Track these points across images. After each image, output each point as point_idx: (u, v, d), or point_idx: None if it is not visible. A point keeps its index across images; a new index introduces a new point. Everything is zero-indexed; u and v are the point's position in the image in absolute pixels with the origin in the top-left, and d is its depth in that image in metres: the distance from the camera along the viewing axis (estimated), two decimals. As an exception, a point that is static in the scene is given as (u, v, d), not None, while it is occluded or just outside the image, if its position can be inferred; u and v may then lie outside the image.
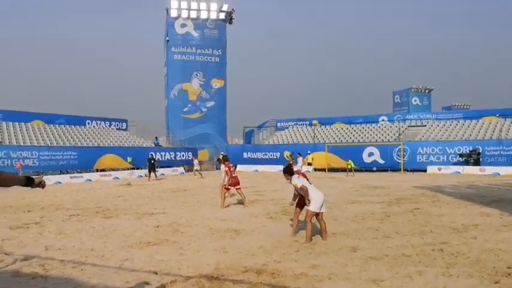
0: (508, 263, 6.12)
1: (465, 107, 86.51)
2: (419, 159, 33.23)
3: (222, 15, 45.50)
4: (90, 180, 26.12)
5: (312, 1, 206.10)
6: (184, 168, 35.26)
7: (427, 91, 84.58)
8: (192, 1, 44.32)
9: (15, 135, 30.19)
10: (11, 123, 31.87)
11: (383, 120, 44.24)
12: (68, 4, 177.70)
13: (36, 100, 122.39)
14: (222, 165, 13.64)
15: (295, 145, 38.84)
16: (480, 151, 31.06)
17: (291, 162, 24.71)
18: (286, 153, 34.18)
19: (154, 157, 28.59)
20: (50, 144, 30.18)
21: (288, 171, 8.03)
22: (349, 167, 29.95)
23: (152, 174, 26.99)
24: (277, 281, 5.46)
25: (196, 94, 44.97)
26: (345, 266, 6.09)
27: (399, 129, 39.72)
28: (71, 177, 25.57)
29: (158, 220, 10.52)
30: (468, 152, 31.36)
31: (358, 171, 31.46)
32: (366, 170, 33.33)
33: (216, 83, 45.58)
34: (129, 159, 31.70)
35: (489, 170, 28.88)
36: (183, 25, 44.54)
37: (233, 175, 12.75)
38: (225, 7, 45.32)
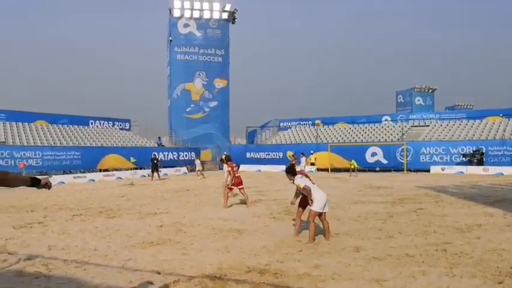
0: (512, 263, 6.10)
1: (468, 106, 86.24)
2: (423, 159, 33.17)
3: (225, 15, 45.52)
4: (93, 180, 26.15)
5: (314, 1, 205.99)
6: (187, 168, 35.28)
7: (430, 91, 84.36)
8: (195, 1, 44.39)
9: (18, 135, 30.29)
10: (14, 123, 32.01)
11: (386, 120, 44.16)
12: (69, 4, 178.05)
13: (40, 100, 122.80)
14: (225, 165, 13.68)
15: (298, 145, 38.85)
16: (483, 151, 30.99)
17: (294, 162, 24.67)
18: (289, 153, 34.13)
19: (157, 157, 28.61)
20: (53, 144, 30.29)
21: (291, 172, 8.02)
22: (352, 167, 29.90)
23: (155, 174, 27.01)
24: (280, 281, 5.45)
25: (199, 94, 45.00)
26: (348, 266, 6.08)
27: (402, 129, 39.65)
28: (74, 177, 25.60)
29: (161, 220, 10.52)
30: (471, 152, 31.29)
31: (361, 171, 31.40)
32: (369, 170, 33.27)
33: (219, 83, 45.60)
34: (132, 159, 31.74)
35: (492, 170, 28.79)
36: (186, 25, 44.58)
37: (236, 175, 12.74)
38: (227, 7, 45.35)
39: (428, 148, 33.29)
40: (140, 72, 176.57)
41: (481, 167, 29.70)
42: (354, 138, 40.40)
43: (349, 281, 5.41)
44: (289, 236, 8.16)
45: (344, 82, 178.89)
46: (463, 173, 29.38)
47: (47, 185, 3.44)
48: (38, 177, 3.44)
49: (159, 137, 40.90)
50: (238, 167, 14.02)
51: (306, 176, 8.36)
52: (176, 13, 44.26)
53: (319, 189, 7.88)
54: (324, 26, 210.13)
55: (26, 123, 32.84)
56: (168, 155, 36.17)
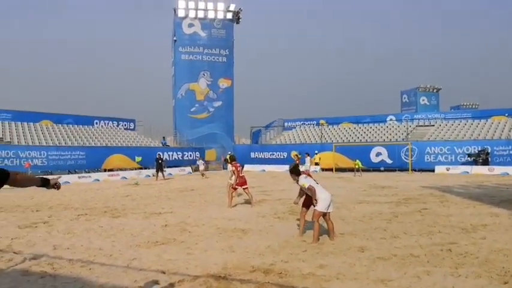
0: (518, 263, 6.07)
1: (473, 106, 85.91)
2: (427, 159, 33.08)
3: (229, 15, 45.53)
4: (98, 180, 26.21)
5: (318, 1, 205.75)
6: (191, 168, 35.32)
7: (435, 90, 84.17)
8: (200, 1, 44.41)
9: (23, 135, 30.43)
10: (19, 123, 32.18)
11: (391, 119, 44.06)
12: (72, 4, 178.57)
13: (44, 100, 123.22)
14: (229, 165, 13.66)
15: (303, 145, 38.80)
16: (489, 151, 30.88)
17: (297, 162, 24.67)
18: (293, 153, 34.13)
19: (161, 157, 28.65)
20: (58, 144, 30.41)
21: (295, 172, 8.01)
22: (357, 166, 29.86)
23: (160, 174, 27.05)
24: (285, 280, 5.45)
25: (204, 94, 45.03)
26: (353, 266, 6.07)
27: (407, 128, 39.55)
28: (79, 177, 25.68)
29: (166, 220, 10.54)
30: (477, 151, 31.18)
31: (365, 171, 31.37)
32: (374, 170, 33.22)
33: (223, 83, 45.62)
34: (138, 158, 31.80)
35: (498, 169, 28.68)
36: (191, 25, 44.62)
37: (240, 175, 12.75)
38: (232, 7, 45.35)
39: (433, 148, 33.21)
40: (145, 72, 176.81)
41: (486, 166, 29.60)
42: (358, 138, 40.33)
43: (353, 281, 5.41)
44: (294, 236, 8.16)
45: (348, 82, 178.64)
46: (468, 173, 29.28)
47: (56, 185, 3.46)
48: (47, 177, 3.46)
49: (164, 137, 40.98)
50: (243, 167, 14.04)
51: (310, 175, 8.35)
52: (181, 13, 44.31)
53: (324, 189, 7.87)
54: (327, 25, 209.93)
55: (31, 123, 32.99)
56: (172, 154, 36.27)
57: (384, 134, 40.06)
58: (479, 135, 35.15)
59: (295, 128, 46.77)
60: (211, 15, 45.03)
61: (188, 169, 34.90)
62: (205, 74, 44.86)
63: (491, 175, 27.34)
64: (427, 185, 19.65)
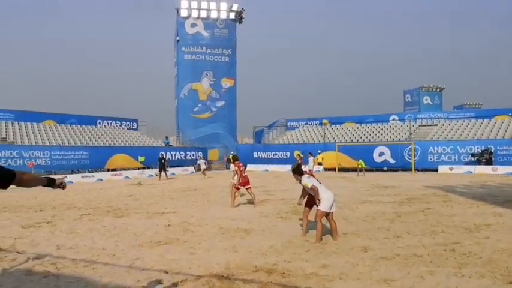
0: (521, 263, 6.05)
1: (477, 106, 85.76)
2: (431, 159, 33.03)
3: (232, 15, 45.49)
4: (101, 180, 26.26)
5: (321, 0, 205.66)
6: (194, 168, 35.34)
7: (438, 90, 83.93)
8: (202, 1, 44.40)
9: (27, 135, 30.50)
10: (23, 123, 32.24)
11: (394, 119, 43.98)
12: (75, 4, 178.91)
13: (48, 100, 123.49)
14: (232, 165, 13.66)
15: (306, 145, 38.80)
16: (492, 150, 30.80)
17: (299, 161, 24.66)
18: (296, 153, 34.11)
19: (164, 157, 28.67)
20: (61, 144, 30.45)
21: (297, 171, 8.00)
22: (360, 166, 29.84)
23: (163, 173, 27.08)
24: (288, 280, 5.45)
25: (207, 94, 45.03)
26: (356, 266, 6.06)
27: (410, 128, 39.49)
28: (82, 177, 25.72)
29: (169, 219, 10.55)
30: (480, 151, 31.10)
31: (368, 170, 31.33)
32: (377, 170, 33.19)
33: (226, 83, 45.60)
34: (141, 158, 31.83)
35: (501, 169, 28.60)
36: (193, 25, 44.61)
37: (243, 175, 12.75)
38: (235, 7, 45.30)
39: (436, 148, 33.14)
40: (148, 72, 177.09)
41: (490, 166, 29.53)
42: (361, 137, 40.28)
43: (356, 281, 5.40)
44: (297, 235, 8.15)
45: (351, 81, 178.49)
46: (471, 172, 29.21)
47: (62, 185, 3.47)
48: (53, 177, 3.47)
49: (167, 137, 41.00)
50: (245, 166, 14.02)
51: (312, 175, 8.35)
52: (183, 13, 44.31)
53: (326, 188, 7.86)
54: (330, 25, 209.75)
55: (35, 123, 33.05)
56: (175, 154, 36.29)
57: (387, 134, 40.00)
58: (482, 134, 35.06)
59: (298, 127, 46.74)
60: (214, 15, 45.00)
61: (191, 169, 34.92)
62: (208, 74, 44.86)
63: (495, 175, 27.28)
64: (430, 185, 19.61)
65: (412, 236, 8.04)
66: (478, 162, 30.69)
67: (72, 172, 28.25)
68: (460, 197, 14.55)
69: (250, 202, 13.15)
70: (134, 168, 31.47)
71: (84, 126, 36.18)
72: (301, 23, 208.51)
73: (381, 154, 34.49)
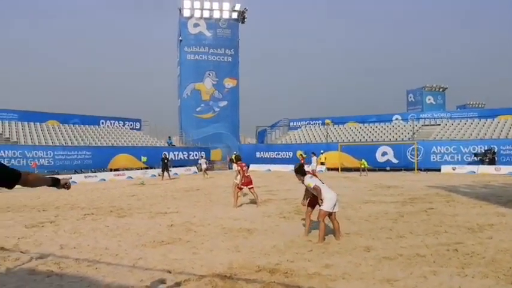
0: (525, 263, 6.04)
1: (480, 105, 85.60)
2: (433, 159, 32.97)
3: (235, 15, 45.57)
4: (104, 180, 26.31)
5: (324, 1, 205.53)
6: (197, 168, 35.38)
7: (441, 90, 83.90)
8: (205, 1, 44.48)
9: (30, 135, 30.59)
10: (26, 123, 32.36)
11: (397, 119, 43.91)
12: (76, 4, 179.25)
13: (51, 100, 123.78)
14: (235, 165, 13.68)
15: (308, 144, 38.75)
16: (495, 150, 30.72)
17: (302, 161, 24.66)
18: (298, 153, 34.12)
19: (167, 157, 28.69)
20: (64, 144, 30.53)
21: (300, 171, 7.99)
22: (363, 166, 29.81)
23: (165, 173, 27.11)
24: (291, 280, 5.44)
25: (209, 94, 45.09)
26: (359, 266, 6.06)
27: (413, 128, 39.42)
28: (85, 177, 25.77)
29: (171, 219, 10.56)
30: (483, 151, 31.02)
31: (371, 170, 31.30)
32: (380, 170, 33.15)
33: (229, 83, 45.66)
34: (144, 158, 31.88)
35: (505, 169, 28.50)
36: (196, 25, 44.69)
37: (246, 174, 12.75)
38: (237, 6, 45.39)
39: (439, 147, 33.08)
40: (150, 72, 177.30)
41: (493, 166, 29.44)
42: (364, 137, 40.23)
43: (359, 281, 5.39)
44: (300, 235, 8.15)
45: (354, 81, 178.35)
46: (474, 172, 29.14)
47: (66, 185, 3.49)
48: (57, 177, 3.49)
49: (169, 137, 41.06)
50: (248, 166, 14.03)
51: (315, 175, 8.34)
52: (186, 13, 44.39)
53: (329, 188, 7.85)
54: (333, 24, 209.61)
55: (38, 123, 33.17)
56: (178, 154, 36.35)
57: (390, 134, 39.94)
58: (485, 134, 34.98)
59: (300, 127, 46.72)
60: (216, 15, 45.09)
61: (194, 169, 34.95)
62: (211, 74, 44.92)
63: (498, 175, 27.20)
64: (433, 185, 19.57)
65: (415, 236, 8.03)
66: (481, 162, 30.61)
67: (75, 172, 28.32)
68: (463, 197, 14.51)
69: (253, 202, 13.15)
70: (137, 168, 31.53)
71: (87, 126, 36.27)
72: (304, 22, 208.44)
73: (384, 154, 34.45)
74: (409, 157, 33.38)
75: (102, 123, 38.61)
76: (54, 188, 3.47)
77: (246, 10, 45.93)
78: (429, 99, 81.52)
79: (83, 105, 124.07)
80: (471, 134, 35.67)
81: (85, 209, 12.83)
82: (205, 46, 44.90)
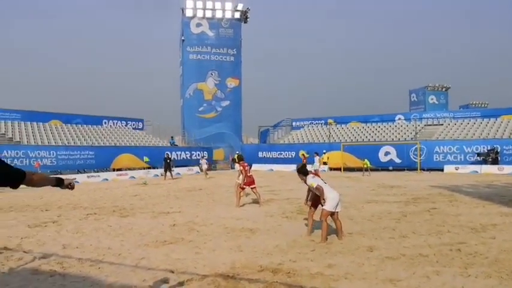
0: (528, 263, 6.02)
1: (483, 105, 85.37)
2: (436, 159, 32.91)
3: (237, 15, 45.56)
4: (107, 180, 26.35)
5: (326, 0, 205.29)
6: (199, 168, 35.39)
7: (444, 89, 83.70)
8: (208, 1, 44.48)
9: (33, 135, 30.65)
10: (29, 123, 32.42)
11: (399, 119, 43.89)
12: (78, 4, 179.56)
13: (53, 100, 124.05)
14: (237, 165, 13.66)
15: (311, 144, 38.75)
16: (498, 150, 30.64)
17: (304, 161, 24.65)
18: (301, 153, 34.10)
19: (170, 156, 28.70)
20: (67, 144, 30.56)
21: (302, 171, 7.99)
22: (365, 166, 29.79)
23: (168, 173, 27.12)
24: (293, 280, 5.44)
25: (212, 93, 45.09)
26: (362, 266, 6.05)
27: (416, 128, 39.36)
28: (88, 177, 25.79)
29: (174, 219, 10.57)
30: (486, 151, 30.95)
31: (374, 170, 31.28)
32: (382, 169, 33.12)
33: (231, 83, 45.65)
34: (146, 158, 31.91)
35: (508, 169, 28.44)
36: (198, 24, 44.69)
37: (248, 174, 12.75)
38: (240, 6, 45.36)
39: (442, 147, 33.02)
40: (153, 72, 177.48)
41: (496, 166, 29.39)
42: (366, 137, 40.20)
43: (362, 281, 5.39)
44: (302, 235, 8.14)
45: (357, 81, 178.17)
46: (477, 172, 29.09)
47: (71, 185, 3.49)
48: (62, 177, 3.49)
49: (172, 137, 41.07)
50: (251, 166, 14.02)
51: (318, 175, 8.34)
52: (189, 13, 44.41)
53: (332, 188, 7.85)
54: (336, 25, 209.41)
55: (41, 123, 33.22)
56: (180, 154, 36.36)
57: (393, 133, 39.90)
58: (488, 134, 34.91)
59: (303, 127, 46.73)
60: (219, 14, 45.09)
61: (196, 169, 34.96)
62: (213, 74, 44.92)
63: (501, 174, 27.15)
64: (436, 185, 19.54)
65: (418, 236, 8.02)
66: (484, 161, 30.55)
67: (78, 172, 28.35)
68: (466, 197, 14.49)
69: (256, 202, 13.15)
70: (140, 168, 31.55)
71: (90, 126, 36.32)
72: (306, 22, 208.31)
73: (387, 154, 34.41)
74: (412, 157, 33.34)
75: (105, 123, 38.66)
76: (58, 188, 3.47)
77: (249, 10, 45.92)
78: (432, 99, 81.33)
79: (86, 105, 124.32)
80: (474, 134, 35.60)
81: (88, 208, 12.85)
82: (207, 46, 44.91)
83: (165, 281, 5.50)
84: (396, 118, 43.98)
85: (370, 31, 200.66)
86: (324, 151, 34.88)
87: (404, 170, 32.85)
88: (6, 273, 5.96)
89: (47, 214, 11.79)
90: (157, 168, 31.27)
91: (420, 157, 32.55)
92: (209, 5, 44.65)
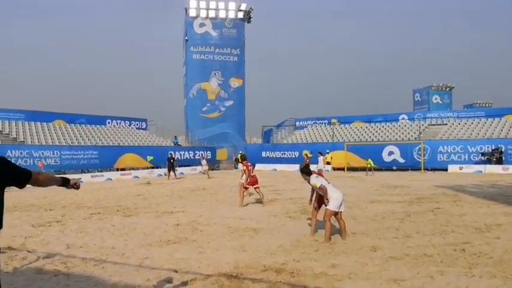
0: (533, 263, 5.99)
1: (487, 105, 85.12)
2: (440, 158, 32.84)
3: (241, 15, 45.53)
4: (111, 179, 26.41)
5: (330, 1, 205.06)
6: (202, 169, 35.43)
7: (448, 89, 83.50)
8: (211, 0, 44.47)
9: (37, 135, 30.74)
10: (33, 123, 32.52)
11: (403, 118, 43.76)
12: (80, 4, 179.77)
13: (57, 100, 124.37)
14: (240, 165, 13.67)
15: (314, 144, 38.71)
16: (503, 150, 30.54)
17: (307, 161, 24.63)
18: (304, 152, 34.08)
19: (173, 156, 28.74)
20: (71, 144, 30.64)
21: (306, 171, 7.98)
22: (369, 166, 29.74)
23: (171, 173, 27.15)
24: (297, 280, 5.43)
25: (215, 93, 45.10)
26: (365, 266, 6.04)
27: (419, 127, 39.26)
28: (91, 176, 25.86)
29: (178, 219, 10.58)
30: (490, 150, 30.86)
31: (378, 170, 31.22)
32: (386, 169, 33.07)
33: (235, 82, 45.64)
34: (150, 158, 31.94)
35: (512, 169, 28.34)
36: (202, 24, 44.70)
37: (251, 174, 12.75)
38: (243, 6, 45.34)
39: (446, 147, 32.95)
40: (156, 72, 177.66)
41: (500, 165, 29.29)
42: (370, 137, 40.12)
43: (366, 281, 5.38)
44: (306, 235, 8.14)
45: (360, 80, 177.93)
46: (481, 172, 28.99)
47: (76, 185, 3.50)
48: (67, 176, 3.50)
49: (176, 136, 41.13)
50: (254, 166, 14.01)
51: (321, 175, 8.33)
52: (192, 13, 44.42)
53: (335, 188, 7.84)
54: (340, 25, 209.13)
55: (45, 123, 33.32)
56: (184, 154, 36.39)
57: (396, 133, 39.82)
58: (492, 134, 34.79)
59: (306, 127, 46.68)
60: (222, 14, 45.09)
61: (200, 168, 34.96)
62: (217, 74, 44.92)
63: (505, 174, 27.03)
64: (440, 185, 19.49)
65: (422, 236, 8.00)
66: (488, 161, 30.47)
67: (82, 172, 28.41)
68: (470, 197, 14.44)
69: (259, 201, 13.15)
70: (143, 168, 31.59)
71: (93, 126, 36.39)
72: (309, 22, 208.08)
73: (390, 153, 34.36)
74: (415, 157, 33.27)
75: (109, 123, 38.72)
76: (62, 188, 3.48)
77: (252, 10, 45.89)
78: (436, 99, 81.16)
79: (90, 105, 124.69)
80: (478, 134, 35.50)
81: (91, 208, 12.87)
82: (211, 46, 44.91)
83: (169, 280, 5.50)
84: (400, 118, 43.86)
85: (375, 31, 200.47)
86: (328, 151, 34.86)
87: (408, 169, 32.80)
88: (10, 273, 5.97)
89: (51, 214, 11.82)
90: (160, 168, 31.32)
91: (424, 157, 32.48)
92: (212, 5, 44.64)
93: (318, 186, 7.64)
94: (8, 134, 29.68)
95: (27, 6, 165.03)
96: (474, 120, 39.68)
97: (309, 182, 7.90)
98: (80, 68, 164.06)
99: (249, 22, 46.38)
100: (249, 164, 12.99)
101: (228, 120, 45.05)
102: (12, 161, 3.06)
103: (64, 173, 25.05)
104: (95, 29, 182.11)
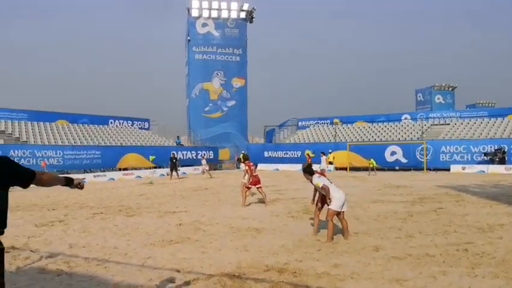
0: (536, 263, 5.98)
1: (490, 104, 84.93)
2: (443, 158, 32.78)
3: (243, 15, 45.52)
4: (113, 179, 26.45)
5: (332, 1, 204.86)
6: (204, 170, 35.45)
7: (450, 89, 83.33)
8: (213, 0, 44.48)
9: (40, 135, 30.81)
10: (35, 123, 32.58)
11: (405, 118, 43.72)
12: (81, 4, 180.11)
13: (60, 100, 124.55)
14: (243, 164, 13.67)
15: (317, 144, 38.71)
16: (506, 150, 30.46)
17: (309, 161, 24.60)
18: (307, 152, 34.05)
19: (176, 156, 28.75)
20: (73, 144, 30.70)
21: (308, 171, 7.98)
22: (371, 166, 29.72)
23: (174, 173, 27.17)
24: (299, 280, 5.43)
25: (217, 93, 45.12)
26: (368, 266, 6.04)
27: (422, 127, 39.22)
28: (94, 176, 25.89)
29: (180, 218, 10.58)
30: (493, 150, 30.79)
31: (380, 170, 31.19)
32: (388, 169, 33.03)
33: (237, 82, 45.65)
34: (152, 157, 31.95)
35: (515, 169, 28.27)
36: (204, 24, 44.71)
37: (254, 174, 12.75)
38: (245, 6, 45.33)
39: (448, 147, 32.89)
40: (159, 72, 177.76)
41: (503, 166, 29.24)
42: (373, 137, 40.10)
43: (368, 281, 5.37)
44: (308, 235, 8.13)
45: (363, 80, 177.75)
46: (484, 172, 28.94)
47: (80, 185, 3.51)
48: (71, 176, 3.51)
49: (178, 136, 41.15)
50: (256, 166, 14.02)
51: (324, 175, 8.32)
52: (194, 13, 44.44)
53: (338, 188, 7.83)
54: (342, 25, 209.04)
55: (47, 123, 33.38)
56: (186, 154, 36.43)
57: (399, 133, 39.78)
58: (495, 133, 34.73)
59: (309, 127, 46.67)
60: (224, 14, 45.09)
61: (202, 168, 35.01)
62: (219, 74, 44.93)
63: (508, 174, 26.99)
64: (443, 185, 19.46)
65: (424, 236, 7.99)
66: (491, 161, 30.41)
67: (85, 171, 28.46)
68: (473, 197, 14.41)
69: (261, 201, 13.15)
70: (146, 168, 31.63)
71: (96, 126, 36.45)
72: (312, 23, 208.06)
73: (393, 153, 34.32)
74: (418, 157, 33.23)
75: (111, 122, 38.78)
76: (65, 188, 3.49)
77: (254, 10, 45.87)
78: (438, 99, 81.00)
79: (92, 105, 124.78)
80: (481, 134, 35.43)
81: (94, 208, 12.89)
82: (213, 46, 44.92)
83: (171, 280, 5.50)
84: (402, 118, 43.83)
85: (376, 31, 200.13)
86: (330, 151, 34.82)
87: (410, 169, 32.75)
88: (13, 272, 5.98)
89: (53, 213, 11.84)
90: (163, 167, 31.34)
91: (426, 157, 32.43)
92: (215, 5, 44.65)
93: (320, 186, 7.64)
94: (11, 133, 29.75)
95: (27, 6, 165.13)
96: (477, 120, 39.62)
97: (311, 182, 7.89)
98: (81, 68, 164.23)
99: (251, 22, 46.38)
100: (251, 163, 13.00)
101: (231, 120, 45.06)
102: (15, 160, 3.06)
103: (67, 173, 25.09)
104: (95, 29, 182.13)
